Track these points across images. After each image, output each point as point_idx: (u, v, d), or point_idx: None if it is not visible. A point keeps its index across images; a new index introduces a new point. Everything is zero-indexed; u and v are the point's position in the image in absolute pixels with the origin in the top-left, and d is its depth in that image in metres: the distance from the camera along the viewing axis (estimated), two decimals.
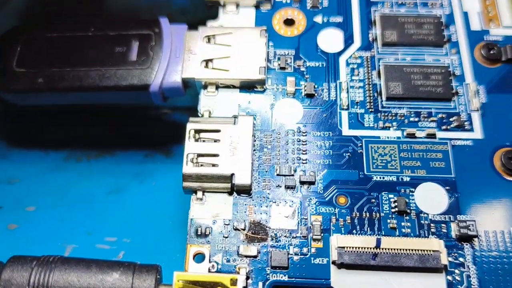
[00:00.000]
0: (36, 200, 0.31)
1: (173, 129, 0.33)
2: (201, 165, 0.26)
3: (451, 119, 0.28)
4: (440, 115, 0.28)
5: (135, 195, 0.31)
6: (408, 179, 0.26)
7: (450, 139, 0.27)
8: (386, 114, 0.28)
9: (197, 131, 0.27)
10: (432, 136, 0.27)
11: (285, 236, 0.25)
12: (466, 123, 0.28)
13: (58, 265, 0.23)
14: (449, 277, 0.24)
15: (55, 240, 0.29)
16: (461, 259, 0.24)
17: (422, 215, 0.25)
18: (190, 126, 0.27)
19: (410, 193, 0.26)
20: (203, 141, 0.27)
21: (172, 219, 0.30)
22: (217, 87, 0.29)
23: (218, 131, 0.27)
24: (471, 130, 0.28)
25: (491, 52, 0.29)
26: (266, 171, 0.27)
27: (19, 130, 0.34)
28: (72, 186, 0.32)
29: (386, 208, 0.26)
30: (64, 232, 0.30)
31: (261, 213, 0.26)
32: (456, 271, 0.24)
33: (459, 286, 0.24)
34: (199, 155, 0.26)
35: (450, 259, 0.24)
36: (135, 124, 0.34)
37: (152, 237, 0.29)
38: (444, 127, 0.28)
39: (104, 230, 0.30)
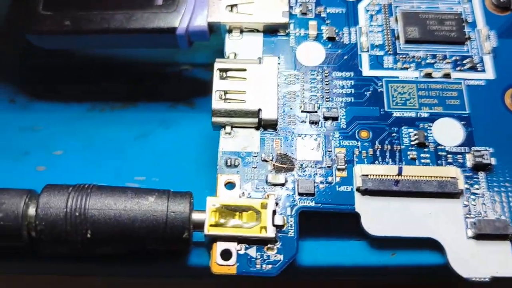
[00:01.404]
0: (62, 145, 0.31)
1: (195, 84, 0.33)
2: (229, 101, 0.27)
3: (464, 62, 0.29)
4: (454, 58, 0.29)
5: (161, 139, 0.31)
6: (426, 115, 0.28)
7: (464, 79, 0.29)
8: (404, 56, 0.29)
9: (224, 70, 0.28)
10: (448, 76, 0.29)
11: (311, 167, 0.26)
12: (478, 65, 0.29)
13: (94, 190, 0.24)
14: (466, 202, 0.26)
15: (84, 180, 0.29)
16: (476, 186, 0.26)
17: (439, 147, 0.27)
18: (217, 66, 0.28)
19: (428, 128, 0.27)
20: (230, 79, 0.28)
21: (198, 161, 0.30)
22: (242, 31, 0.30)
23: (244, 70, 0.28)
24: (483, 71, 0.29)
25: (501, 0, 0.31)
26: (291, 108, 0.28)
27: (38, 84, 0.34)
28: (98, 132, 0.32)
29: (406, 141, 0.27)
30: (92, 173, 0.30)
31: (287, 146, 0.27)
32: (472, 196, 0.26)
33: (475, 210, 0.25)
34: (227, 92, 0.27)
35: (466, 186, 0.26)
36: (156, 79, 0.34)
37: (180, 175, 0.30)
38: (458, 68, 0.29)
39: (133, 171, 0.30)
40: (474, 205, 0.26)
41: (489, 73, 0.29)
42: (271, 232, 0.24)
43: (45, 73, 0.35)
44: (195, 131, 0.32)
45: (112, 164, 0.31)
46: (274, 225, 0.24)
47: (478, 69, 0.29)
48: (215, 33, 0.30)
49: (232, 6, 0.30)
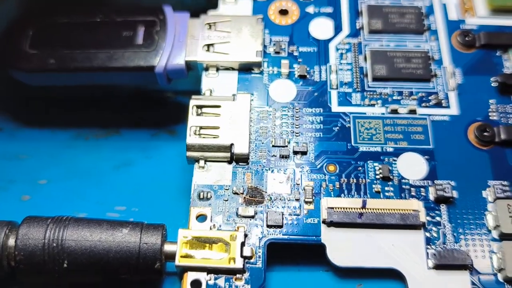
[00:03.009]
0: (47, 174, 0.33)
1: (177, 111, 0.34)
2: (203, 137, 0.28)
3: (430, 98, 0.30)
4: (420, 94, 0.30)
5: (142, 169, 0.32)
6: (391, 149, 0.29)
7: (429, 115, 0.30)
8: (371, 93, 0.31)
9: (199, 107, 0.29)
10: (413, 112, 0.30)
11: (280, 199, 0.27)
12: (443, 101, 0.30)
13: (71, 222, 0.25)
14: (427, 234, 0.26)
15: (66, 209, 0.30)
16: (438, 218, 0.27)
17: (403, 180, 0.28)
18: (193, 103, 0.29)
19: (393, 162, 0.28)
20: (205, 116, 0.29)
21: (177, 190, 0.31)
22: (218, 69, 0.31)
23: (218, 106, 0.29)
24: (448, 107, 0.30)
25: (466, 38, 0.32)
26: (263, 143, 0.29)
27: (26, 113, 0.36)
28: (82, 161, 0.33)
29: (371, 175, 0.28)
30: (75, 202, 0.31)
31: (258, 180, 0.28)
32: (434, 228, 0.27)
33: (436, 241, 0.26)
34: (201, 128, 0.29)
35: (428, 218, 0.27)
36: (140, 108, 0.35)
37: (159, 205, 0.30)
38: (424, 104, 0.30)
39: (114, 200, 0.31)
40: (436, 236, 0.27)
41: (454, 109, 0.30)
42: (239, 263, 0.25)
43: (34, 102, 0.36)
44: (175, 159, 0.33)
45: (94, 194, 0.32)
46: (242, 256, 0.25)
47: (443, 105, 0.30)
48: (193, 70, 0.32)
49: (209, 45, 0.31)
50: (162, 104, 0.36)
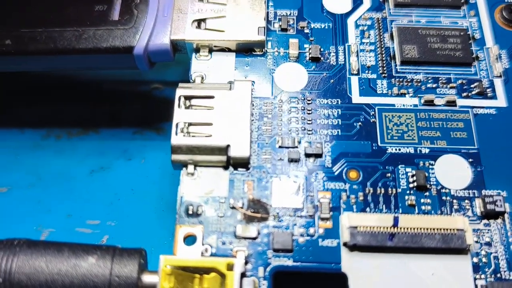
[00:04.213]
0: (9, 181, 0.28)
1: (165, 105, 0.30)
2: (193, 136, 0.23)
3: (472, 86, 0.25)
4: (460, 81, 0.25)
5: (122, 173, 0.28)
6: (427, 151, 0.24)
7: (472, 107, 0.25)
8: (401, 79, 0.25)
9: (188, 98, 0.24)
10: (452, 103, 0.25)
11: (289, 215, 0.22)
12: (488, 90, 0.25)
13: (24, 248, 0.20)
14: (475, 259, 0.21)
15: (29, 224, 0.26)
16: (487, 239, 0.22)
17: (443, 190, 0.23)
18: (180, 92, 0.24)
19: (430, 166, 0.23)
20: (195, 109, 0.24)
21: (163, 200, 0.27)
22: (211, 50, 0.26)
23: (211, 97, 0.24)
24: (494, 97, 0.25)
25: None
26: (267, 143, 0.24)
27: None
28: (51, 165, 0.29)
29: (403, 183, 0.23)
30: (40, 215, 0.27)
31: (261, 190, 0.23)
32: (482, 252, 0.22)
33: (486, 269, 0.21)
34: (190, 124, 0.23)
35: (475, 238, 0.22)
36: (123, 100, 0.31)
37: (140, 220, 0.26)
38: (464, 94, 0.25)
39: (86, 212, 0.27)
40: (486, 262, 0.21)
41: (501, 100, 0.25)
42: None
43: None
44: (160, 162, 0.28)
45: (63, 204, 0.27)
46: None
47: (488, 95, 0.25)
48: (181, 52, 0.26)
49: (199, 21, 0.26)
50: (149, 97, 0.31)
